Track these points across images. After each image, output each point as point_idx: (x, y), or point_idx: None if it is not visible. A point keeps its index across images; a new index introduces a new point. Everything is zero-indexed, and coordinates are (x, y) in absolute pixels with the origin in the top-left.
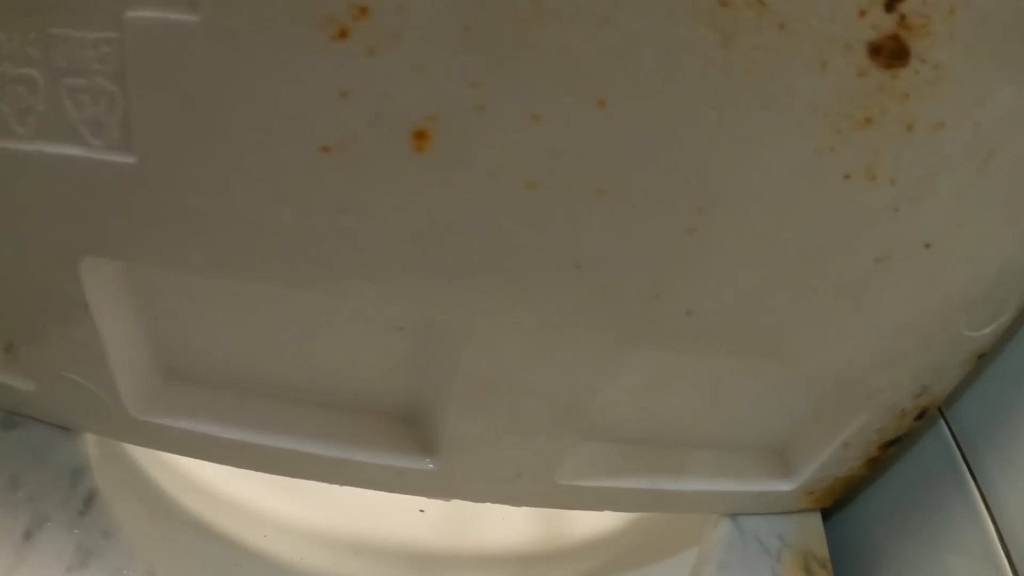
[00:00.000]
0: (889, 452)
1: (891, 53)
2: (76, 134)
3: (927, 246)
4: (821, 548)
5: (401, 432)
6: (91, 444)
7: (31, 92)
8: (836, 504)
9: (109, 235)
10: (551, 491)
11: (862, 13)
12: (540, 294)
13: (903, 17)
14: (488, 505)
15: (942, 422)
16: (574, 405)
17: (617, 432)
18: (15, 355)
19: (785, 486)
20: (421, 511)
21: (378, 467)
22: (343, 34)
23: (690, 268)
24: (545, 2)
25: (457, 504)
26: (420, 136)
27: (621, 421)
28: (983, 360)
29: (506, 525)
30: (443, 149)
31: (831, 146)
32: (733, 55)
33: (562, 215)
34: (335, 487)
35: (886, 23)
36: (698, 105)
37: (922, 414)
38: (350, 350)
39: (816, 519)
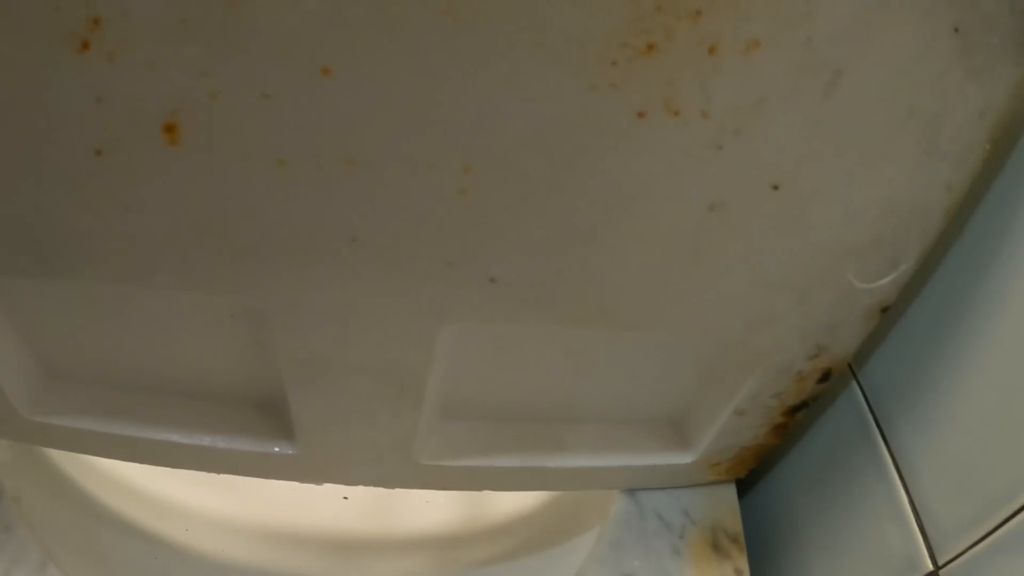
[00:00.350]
0: (797, 418)
1: None
2: None
3: (775, 188)
4: (733, 522)
5: (261, 419)
6: (3, 447)
7: None
8: (755, 474)
9: None
10: (418, 472)
11: None
12: (325, 272)
13: None
14: (411, 490)
15: (855, 383)
16: (406, 383)
17: (483, 410)
18: None
19: (684, 458)
20: (345, 498)
21: (244, 453)
22: (85, 46)
23: (474, 232)
24: None
25: (379, 489)
26: (170, 130)
27: (485, 398)
28: (889, 314)
29: (429, 509)
30: (192, 139)
31: (610, 82)
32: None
33: (319, 189)
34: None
35: None
36: (428, 57)
37: (826, 376)
38: (199, 340)
39: (730, 491)
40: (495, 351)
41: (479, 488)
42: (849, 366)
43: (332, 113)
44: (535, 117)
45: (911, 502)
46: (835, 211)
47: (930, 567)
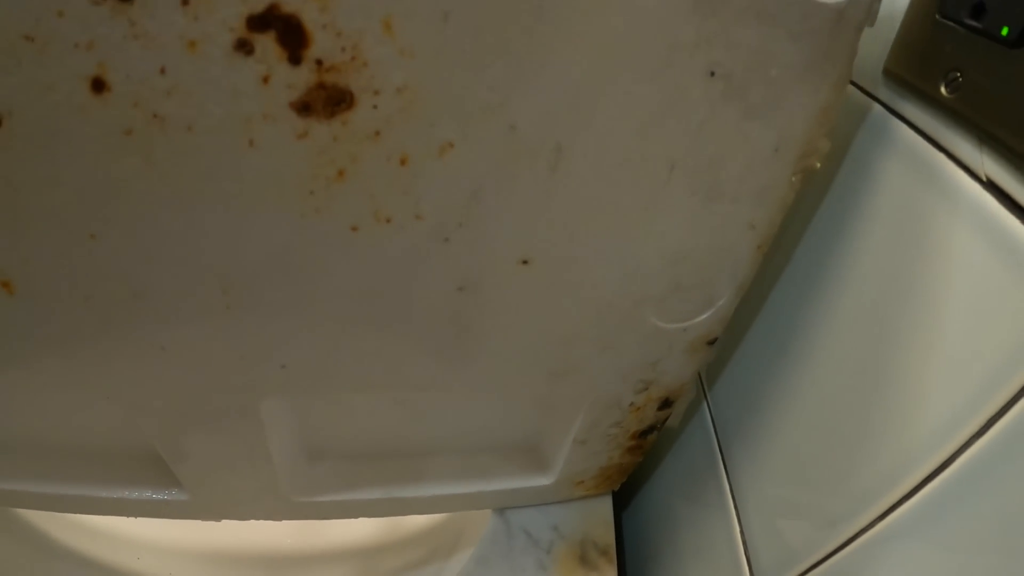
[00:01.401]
0: (650, 439)
1: (326, 102)
2: None
3: (524, 263)
4: (605, 534)
5: (155, 472)
6: None
7: None
8: (638, 482)
9: None
10: (295, 507)
11: (265, 79)
12: (158, 367)
13: (319, 62)
14: None
15: (705, 405)
16: (250, 442)
17: (341, 452)
18: None
19: (543, 480)
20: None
21: (148, 501)
22: None
23: (248, 334)
24: None
25: None
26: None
27: (340, 443)
28: (720, 346)
29: (352, 524)
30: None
31: (315, 207)
32: (159, 167)
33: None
34: None
35: (303, 76)
36: (181, 210)
37: (666, 403)
38: (90, 417)
39: (604, 504)
40: (332, 409)
41: (353, 516)
42: (701, 383)
43: (116, 261)
44: (265, 245)
45: (742, 531)
46: (606, 272)
47: None
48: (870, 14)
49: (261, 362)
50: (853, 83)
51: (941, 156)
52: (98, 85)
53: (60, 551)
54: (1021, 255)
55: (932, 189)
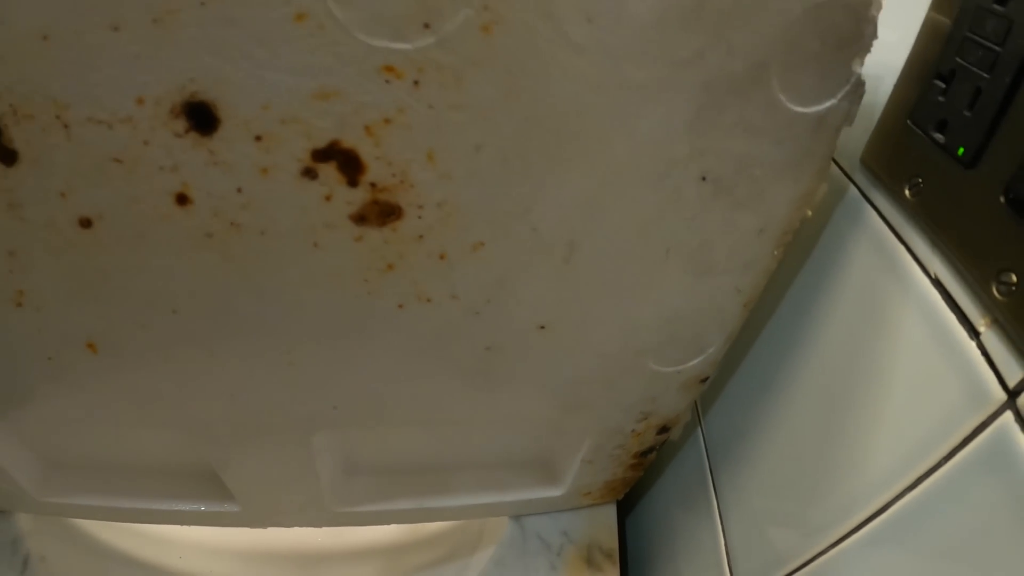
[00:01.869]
0: (649, 458)
1: (379, 215)
2: None
3: (541, 328)
4: (609, 539)
5: (211, 487)
6: (25, 518)
7: None
8: (636, 494)
9: None
10: (335, 516)
11: (327, 198)
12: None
13: (373, 185)
14: None
15: (699, 428)
16: (301, 466)
17: (377, 467)
18: None
19: (554, 492)
20: None
21: (203, 512)
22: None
23: (305, 381)
24: None
25: None
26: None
27: (376, 460)
28: (712, 382)
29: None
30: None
31: (368, 291)
32: (236, 262)
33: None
34: None
35: (359, 195)
36: (258, 293)
37: (664, 428)
38: (161, 444)
39: (609, 511)
40: (372, 434)
41: (386, 523)
42: (696, 411)
43: (194, 330)
44: (324, 318)
45: (725, 540)
46: (610, 333)
47: None
48: (848, 117)
49: (316, 404)
50: (834, 161)
51: (901, 248)
52: (182, 199)
53: (109, 552)
54: (952, 347)
55: (891, 275)
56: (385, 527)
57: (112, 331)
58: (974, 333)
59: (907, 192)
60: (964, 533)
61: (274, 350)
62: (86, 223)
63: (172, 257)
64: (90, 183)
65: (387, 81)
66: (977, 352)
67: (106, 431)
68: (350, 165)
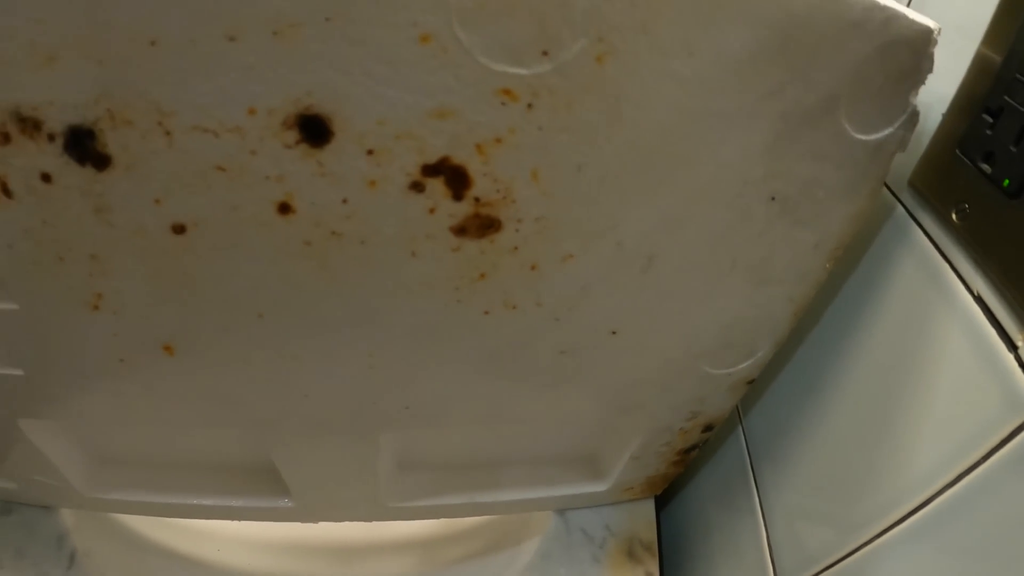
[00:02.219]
0: (691, 455)
1: (479, 227)
2: None
3: (613, 333)
4: (648, 532)
5: (268, 483)
6: (69, 514)
7: None
8: (676, 487)
9: (26, 407)
10: (387, 511)
11: (431, 210)
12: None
13: (477, 199)
14: None
15: (740, 427)
16: (363, 464)
17: (431, 464)
18: None
19: (599, 487)
20: None
21: (259, 507)
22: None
23: (382, 384)
24: None
25: None
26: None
27: (432, 457)
28: (756, 384)
29: None
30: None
31: (457, 298)
32: (331, 269)
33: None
34: None
35: (463, 209)
36: (349, 294)
37: (709, 427)
38: (217, 441)
39: (648, 506)
40: (431, 434)
41: (437, 518)
42: (738, 410)
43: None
44: (411, 324)
45: (768, 534)
46: (674, 338)
47: None
48: (903, 143)
49: (389, 405)
50: (884, 184)
51: (946, 266)
52: (284, 208)
53: (149, 546)
54: (992, 358)
55: (936, 290)
56: (419, 520)
57: (192, 334)
58: (1012, 347)
59: (954, 216)
60: (999, 527)
61: (357, 353)
62: (179, 229)
63: (267, 264)
64: (188, 190)
65: (502, 103)
66: (1015, 363)
67: (165, 429)
68: (457, 180)
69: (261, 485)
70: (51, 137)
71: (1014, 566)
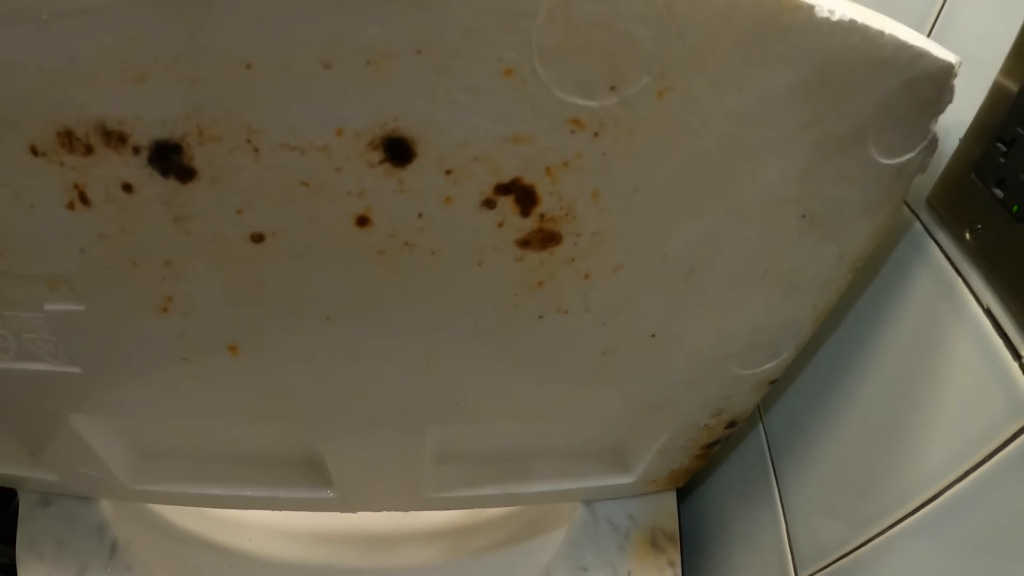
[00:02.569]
0: (713, 450)
1: (541, 240)
2: (38, 358)
3: (652, 336)
4: (670, 523)
5: (311, 475)
6: (107, 504)
7: (5, 341)
8: (696, 481)
9: (79, 403)
10: (424, 501)
11: (500, 225)
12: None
13: (542, 216)
14: None
15: (760, 424)
16: (408, 457)
17: (468, 456)
18: (39, 458)
19: (625, 479)
20: None
21: (300, 498)
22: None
23: (436, 380)
24: None
25: None
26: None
27: (468, 449)
28: (778, 383)
29: None
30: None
31: (515, 304)
32: (401, 276)
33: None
34: None
35: (528, 224)
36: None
37: (732, 423)
38: (265, 435)
39: (670, 498)
40: (473, 428)
41: (471, 507)
42: (758, 408)
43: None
44: (469, 328)
45: (787, 526)
46: (706, 340)
47: None
48: (923, 166)
49: (441, 401)
50: (904, 201)
51: (959, 280)
52: (362, 221)
53: (184, 536)
54: (997, 366)
55: (949, 301)
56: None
57: (259, 335)
58: (1016, 356)
59: (967, 235)
60: (1001, 522)
61: (416, 354)
62: (258, 238)
63: (339, 270)
64: (271, 203)
65: (572, 131)
66: (1019, 371)
67: (216, 424)
68: (526, 198)
69: (305, 477)
70: (136, 150)
71: (1014, 558)
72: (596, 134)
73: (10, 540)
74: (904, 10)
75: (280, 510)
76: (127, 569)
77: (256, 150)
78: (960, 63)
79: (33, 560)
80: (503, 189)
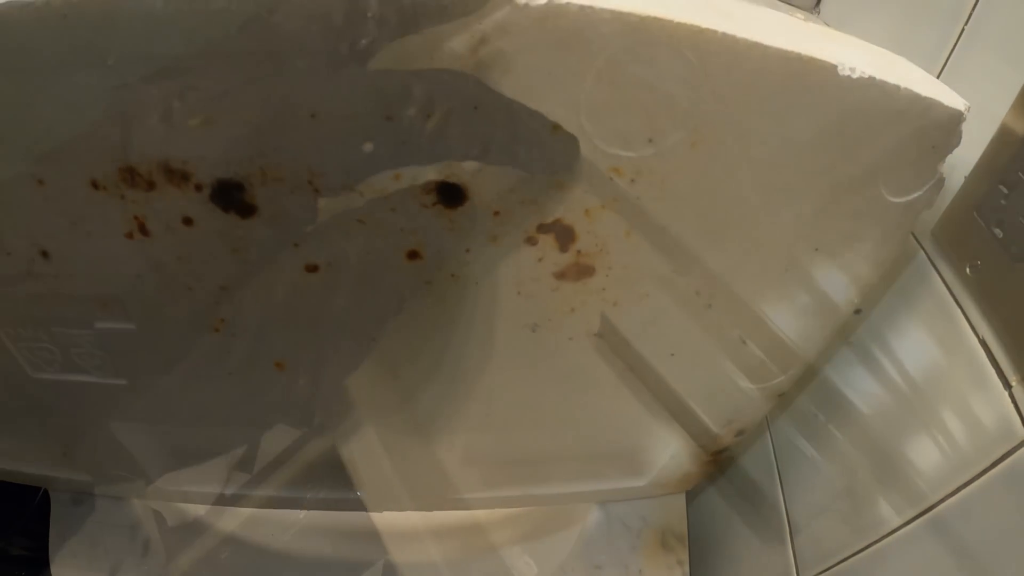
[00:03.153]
0: (723, 456)
1: (577, 273)
2: (83, 370)
3: (672, 355)
4: (680, 525)
5: (340, 476)
6: (139, 503)
7: (51, 354)
8: (701, 486)
9: (120, 411)
10: (448, 503)
11: (540, 259)
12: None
13: (579, 251)
14: None
15: (768, 432)
16: (435, 465)
17: (490, 459)
18: (73, 459)
19: (638, 482)
20: None
21: (329, 498)
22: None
23: (480, 404)
24: None
25: None
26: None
27: (491, 453)
28: (786, 395)
29: None
30: None
31: (549, 328)
32: (446, 304)
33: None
34: None
35: (566, 259)
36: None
37: (741, 432)
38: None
39: (679, 500)
40: (499, 434)
41: (492, 507)
42: (766, 418)
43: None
44: (513, 345)
45: (790, 529)
46: (721, 359)
47: None
48: (929, 203)
49: (473, 411)
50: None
51: (958, 311)
52: (413, 255)
53: (210, 532)
54: (990, 393)
55: (948, 329)
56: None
57: (305, 354)
58: (1007, 385)
59: (968, 269)
60: (990, 532)
61: (455, 371)
62: (312, 268)
63: (388, 298)
64: (327, 238)
65: (611, 178)
66: (1008, 399)
67: (253, 430)
68: (565, 236)
69: (335, 478)
70: (198, 187)
71: (1001, 564)
72: (632, 181)
73: (32, 534)
74: (917, 48)
75: (308, 509)
76: (160, 568)
77: (316, 191)
78: (968, 108)
79: (67, 558)
80: (545, 228)
